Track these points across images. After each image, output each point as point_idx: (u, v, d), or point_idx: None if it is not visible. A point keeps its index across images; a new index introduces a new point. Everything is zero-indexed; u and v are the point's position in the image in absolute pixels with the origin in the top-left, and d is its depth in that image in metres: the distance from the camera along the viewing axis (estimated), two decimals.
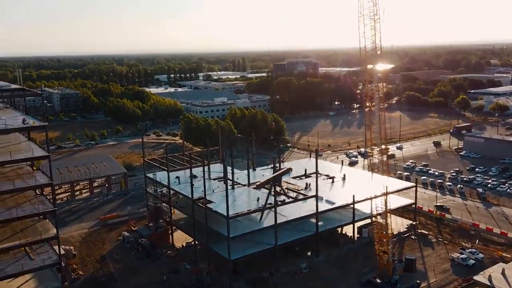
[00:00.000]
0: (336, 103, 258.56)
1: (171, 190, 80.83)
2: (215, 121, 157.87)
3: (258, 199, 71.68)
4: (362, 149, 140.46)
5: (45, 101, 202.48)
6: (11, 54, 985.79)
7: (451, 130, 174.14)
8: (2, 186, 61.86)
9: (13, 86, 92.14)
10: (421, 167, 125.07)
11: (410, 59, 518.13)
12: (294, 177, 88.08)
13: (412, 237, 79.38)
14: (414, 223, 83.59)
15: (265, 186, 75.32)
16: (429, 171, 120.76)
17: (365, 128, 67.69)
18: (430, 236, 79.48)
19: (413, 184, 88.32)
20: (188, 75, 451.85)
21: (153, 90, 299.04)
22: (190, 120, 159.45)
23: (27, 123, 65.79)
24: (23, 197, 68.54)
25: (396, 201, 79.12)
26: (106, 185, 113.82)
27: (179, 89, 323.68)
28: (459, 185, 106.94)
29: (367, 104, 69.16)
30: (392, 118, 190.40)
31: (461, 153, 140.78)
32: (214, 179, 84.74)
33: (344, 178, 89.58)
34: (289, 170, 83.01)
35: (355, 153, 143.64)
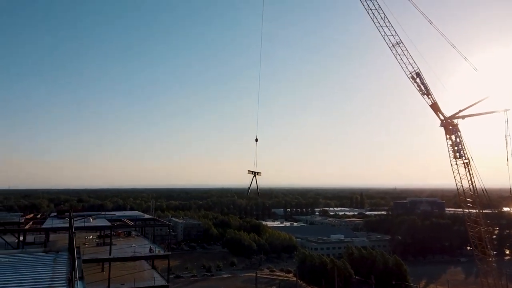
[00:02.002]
0: (468, 248, 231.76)
1: None
2: (330, 259, 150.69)
3: None
4: None
5: (170, 230, 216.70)
6: (149, 185, 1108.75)
7: None
8: None
9: (146, 216, 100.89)
10: None
11: None
12: None
13: None
14: None
15: None
16: None
17: (480, 278, 60.16)
18: None
19: None
20: (304, 209, 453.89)
21: (269, 223, 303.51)
22: (305, 257, 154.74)
23: (153, 252, 69.71)
24: None
25: None
26: None
27: (295, 224, 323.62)
28: None
29: (476, 252, 63.73)
30: None
31: None
32: None
33: None
34: None
35: None
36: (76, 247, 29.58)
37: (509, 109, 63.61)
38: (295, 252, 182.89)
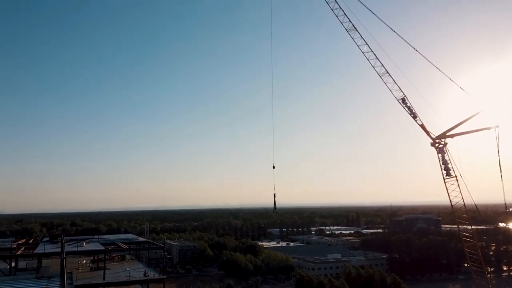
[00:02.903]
0: (466, 265, 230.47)
1: None
2: (328, 279, 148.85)
3: None
4: None
5: (165, 253, 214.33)
6: (143, 208, 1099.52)
7: None
8: None
9: (140, 238, 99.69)
10: None
11: None
12: None
13: None
14: None
15: None
16: None
17: None
18: None
19: None
20: (300, 229, 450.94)
21: (266, 244, 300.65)
22: (302, 277, 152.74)
23: (148, 275, 68.57)
24: None
25: None
26: None
27: (291, 244, 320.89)
28: None
29: (472, 266, 65.30)
30: None
31: None
32: None
33: None
34: None
35: None
36: (68, 272, 29.04)
37: (499, 126, 65.15)
38: (292, 273, 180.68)
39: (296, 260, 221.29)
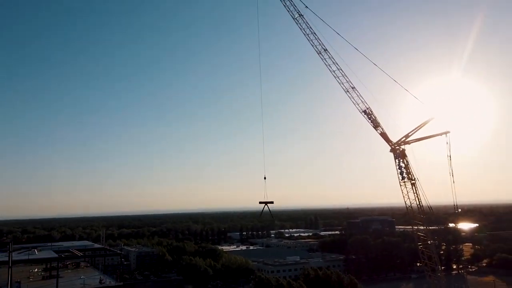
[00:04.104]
0: (418, 264, 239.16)
1: None
2: (287, 281, 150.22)
3: None
4: None
5: (122, 259, 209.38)
6: (100, 213, 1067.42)
7: None
8: None
9: (96, 245, 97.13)
10: None
11: (496, 217, 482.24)
12: None
13: None
14: None
15: None
16: None
17: None
18: None
19: None
20: (260, 232, 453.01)
21: (225, 248, 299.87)
22: (262, 280, 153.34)
23: (104, 283, 66.95)
24: None
25: None
26: None
27: (251, 247, 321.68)
28: None
29: (428, 264, 69.17)
30: (484, 283, 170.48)
31: None
32: None
33: None
34: None
35: None
36: (17, 281, 27.92)
37: (449, 132, 69.02)
38: (252, 276, 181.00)
39: (256, 263, 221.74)
